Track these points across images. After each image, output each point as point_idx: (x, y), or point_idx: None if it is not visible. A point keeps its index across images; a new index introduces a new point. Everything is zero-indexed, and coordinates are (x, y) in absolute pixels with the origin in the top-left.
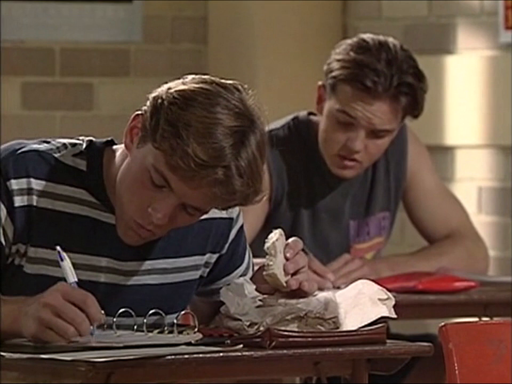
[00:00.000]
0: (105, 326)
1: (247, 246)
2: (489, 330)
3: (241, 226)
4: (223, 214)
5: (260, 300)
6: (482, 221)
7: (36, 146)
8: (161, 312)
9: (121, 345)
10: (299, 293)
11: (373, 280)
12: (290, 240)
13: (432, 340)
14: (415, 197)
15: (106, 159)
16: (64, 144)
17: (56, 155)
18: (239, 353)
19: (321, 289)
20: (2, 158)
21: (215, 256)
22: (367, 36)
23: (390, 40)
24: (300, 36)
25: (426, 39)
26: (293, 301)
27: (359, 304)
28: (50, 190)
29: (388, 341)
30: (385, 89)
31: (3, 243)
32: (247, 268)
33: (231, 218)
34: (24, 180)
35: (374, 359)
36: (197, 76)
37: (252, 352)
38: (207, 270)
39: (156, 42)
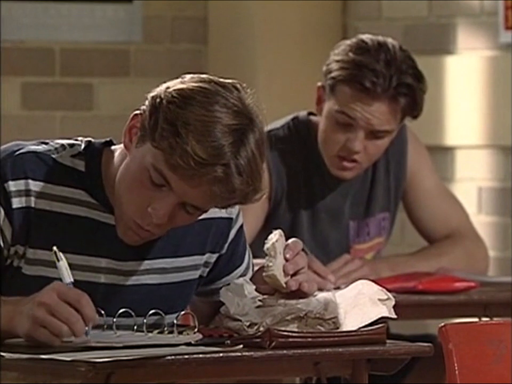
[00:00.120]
0: (105, 326)
1: (247, 246)
2: (489, 330)
3: (241, 226)
4: (223, 213)
5: (259, 300)
6: (482, 221)
7: (34, 147)
8: (161, 312)
9: (121, 345)
10: (299, 294)
11: (372, 281)
12: (290, 241)
13: (432, 340)
14: (415, 197)
15: (105, 159)
16: (62, 145)
17: (54, 156)
18: (239, 354)
19: (321, 290)
20: (1, 160)
21: (215, 256)
22: (366, 37)
23: (389, 40)
24: (300, 36)
25: (426, 39)
26: (293, 301)
27: (359, 304)
28: (48, 191)
29: (387, 341)
30: (384, 90)
31: (1, 245)
32: (247, 268)
33: (231, 218)
34: (22, 182)
35: (374, 359)
36: (196, 75)
37: (252, 353)
38: (207, 269)
39: (156, 43)
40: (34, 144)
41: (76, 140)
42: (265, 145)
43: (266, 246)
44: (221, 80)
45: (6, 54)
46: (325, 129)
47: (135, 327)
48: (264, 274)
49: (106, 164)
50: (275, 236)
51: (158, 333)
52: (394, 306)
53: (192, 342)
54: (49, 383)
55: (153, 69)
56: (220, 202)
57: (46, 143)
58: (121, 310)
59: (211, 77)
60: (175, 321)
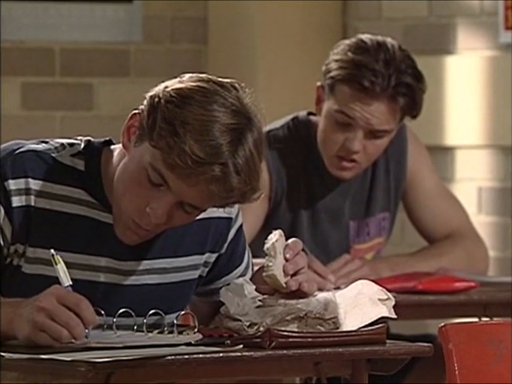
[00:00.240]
0: (105, 326)
1: (247, 246)
2: (489, 330)
3: (241, 226)
4: (222, 213)
5: (259, 300)
6: (482, 221)
7: (34, 146)
8: (160, 312)
9: (121, 345)
10: (299, 294)
11: (372, 281)
12: (290, 240)
13: (432, 340)
14: (415, 197)
15: (104, 158)
16: (62, 144)
17: (54, 155)
18: (239, 354)
19: (321, 290)
20: (1, 159)
21: (214, 255)
22: (365, 36)
23: (388, 40)
24: (300, 36)
25: (426, 39)
26: (293, 301)
27: (359, 304)
28: (48, 190)
29: (387, 341)
30: (383, 90)
31: (1, 243)
32: (247, 268)
33: (230, 218)
34: (22, 180)
35: (374, 359)
36: (194, 75)
37: (252, 353)
38: (206, 269)
39: (156, 43)
40: (34, 143)
41: (76, 139)
42: (264, 144)
43: (266, 246)
44: (220, 79)
45: (6, 54)
46: (324, 129)
47: (135, 327)
48: (264, 274)
49: (105, 163)
50: (275, 236)
51: (158, 333)
52: (394, 306)
53: (192, 342)
54: (49, 383)
55: (153, 69)
56: (218, 202)
57: (46, 142)
58: (121, 310)
59: (209, 77)
60: (175, 321)
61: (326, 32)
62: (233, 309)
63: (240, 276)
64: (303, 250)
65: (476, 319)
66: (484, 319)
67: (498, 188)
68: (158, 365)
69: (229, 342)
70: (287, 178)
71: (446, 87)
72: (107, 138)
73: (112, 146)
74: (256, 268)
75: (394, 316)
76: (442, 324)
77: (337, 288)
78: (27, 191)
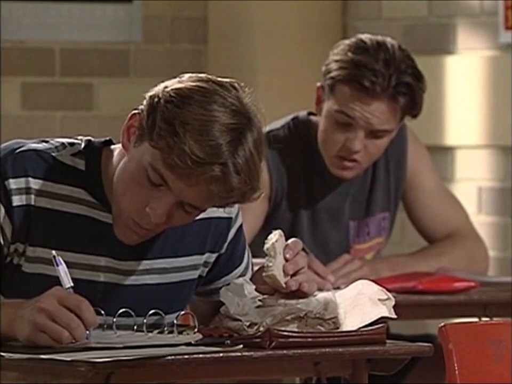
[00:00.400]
0: (105, 326)
1: (246, 246)
2: (489, 330)
3: (240, 226)
4: (222, 213)
5: (259, 300)
6: (482, 221)
7: (34, 145)
8: (160, 312)
9: (121, 345)
10: (299, 294)
11: (372, 281)
12: (290, 241)
13: (432, 340)
14: (415, 197)
15: (105, 158)
16: (62, 143)
17: (54, 154)
18: (239, 354)
19: (321, 290)
20: (1, 158)
21: (214, 255)
22: (365, 36)
23: (388, 40)
24: (300, 36)
25: (426, 39)
26: (293, 301)
27: (359, 304)
28: (48, 189)
29: (387, 341)
30: (383, 89)
31: (2, 242)
32: (246, 268)
33: (230, 218)
34: (22, 179)
35: (374, 359)
36: (194, 75)
37: (252, 353)
38: (206, 269)
39: (156, 43)
40: (34, 142)
41: (76, 139)
42: (263, 144)
43: (266, 246)
44: (219, 79)
45: (6, 54)
46: (324, 129)
47: (135, 327)
48: (264, 274)
49: (105, 163)
50: (275, 236)
51: (158, 333)
52: (394, 306)
53: (192, 342)
54: (49, 383)
55: (153, 69)
56: (218, 202)
57: (47, 142)
58: (121, 310)
59: (209, 76)
60: (175, 321)
61: (326, 32)
62: (233, 309)
63: (240, 276)
64: (303, 250)
65: (476, 319)
66: (483, 319)
67: (498, 188)
68: (158, 365)
69: (229, 342)
70: (287, 178)
71: (446, 87)
72: (107, 138)
73: (113, 146)
74: (256, 268)
75: (394, 316)
76: (442, 324)
77: (337, 288)
78: (27, 190)
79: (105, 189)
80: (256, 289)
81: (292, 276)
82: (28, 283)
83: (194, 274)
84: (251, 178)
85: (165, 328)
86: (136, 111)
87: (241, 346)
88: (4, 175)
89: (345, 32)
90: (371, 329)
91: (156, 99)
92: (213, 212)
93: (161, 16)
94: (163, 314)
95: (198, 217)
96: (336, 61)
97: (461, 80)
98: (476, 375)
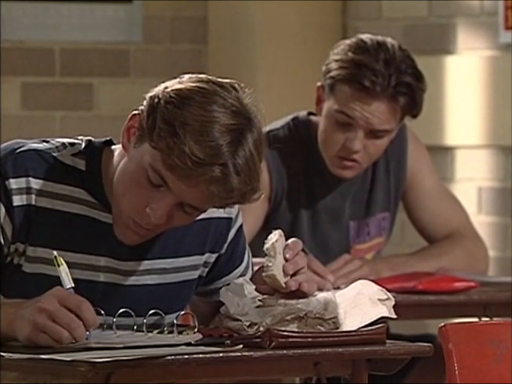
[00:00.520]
0: (105, 326)
1: (247, 246)
2: (489, 330)
3: (240, 226)
4: (222, 213)
5: (259, 300)
6: (482, 221)
7: (35, 145)
8: (160, 312)
9: (121, 345)
10: (298, 294)
11: (372, 281)
12: (289, 240)
13: (432, 340)
14: (415, 197)
15: (105, 158)
16: (63, 143)
17: (55, 154)
18: (239, 354)
19: (320, 290)
20: (1, 158)
21: (214, 255)
22: (365, 36)
23: (389, 40)
24: (300, 36)
25: (426, 39)
26: (293, 301)
27: (359, 304)
28: (49, 189)
29: (387, 341)
30: (384, 89)
31: (2, 242)
32: (247, 268)
33: (230, 218)
34: (23, 179)
35: (374, 359)
36: (194, 75)
37: (252, 353)
38: (206, 269)
39: (156, 43)
40: (35, 142)
41: (77, 139)
42: (264, 145)
43: (266, 246)
44: (219, 80)
45: (6, 54)
46: (324, 129)
47: (135, 327)
48: (263, 274)
49: (106, 163)
50: (275, 235)
51: (158, 333)
52: (394, 306)
53: (192, 342)
54: (49, 383)
55: (153, 69)
56: (218, 202)
57: (47, 141)
58: (121, 310)
59: (209, 77)
60: (175, 321)
61: (326, 32)
62: (233, 309)
63: (240, 276)
64: (302, 250)
65: (475, 319)
66: (483, 319)
67: (498, 188)
68: (158, 365)
69: (229, 342)
70: (287, 179)
71: (446, 87)
72: (108, 138)
73: (113, 147)
74: (256, 268)
75: (394, 316)
76: (442, 324)
77: (337, 288)
78: (28, 190)
79: (105, 189)
80: (256, 289)
81: (292, 275)
82: (28, 283)
83: (194, 274)
84: (251, 179)
85: (165, 328)
86: (136, 112)
87: (241, 346)
88: (5, 175)
89: (345, 32)
90: (371, 329)
91: (156, 100)
92: (213, 212)
93: (161, 16)
94: (163, 315)
95: (198, 218)
96: (337, 60)
97: (461, 80)
98: (476, 375)
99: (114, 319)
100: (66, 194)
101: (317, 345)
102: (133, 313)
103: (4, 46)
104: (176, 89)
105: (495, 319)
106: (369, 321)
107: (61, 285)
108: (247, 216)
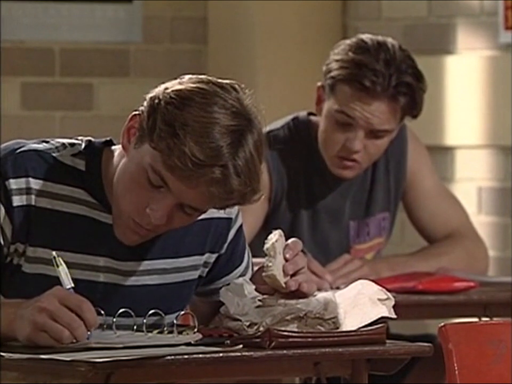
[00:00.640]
0: (104, 326)
1: (246, 246)
2: (489, 330)
3: (240, 226)
4: (222, 213)
5: (259, 300)
6: (482, 221)
7: (34, 145)
8: (160, 312)
9: (121, 345)
10: (298, 294)
11: (372, 281)
12: (289, 241)
13: (432, 340)
14: (415, 197)
15: (105, 159)
16: (63, 144)
17: (55, 155)
18: (239, 354)
19: (319, 290)
20: (1, 158)
21: (214, 256)
22: (365, 36)
23: (389, 40)
24: (300, 36)
25: (426, 39)
26: (293, 301)
27: (359, 304)
28: (49, 190)
29: (387, 341)
30: (384, 89)
31: (2, 242)
32: (247, 268)
33: (230, 218)
34: (23, 180)
35: (374, 359)
36: (194, 76)
37: (252, 353)
38: (206, 270)
39: (156, 43)
40: (35, 143)
41: (77, 139)
42: (264, 146)
43: (266, 246)
44: (219, 81)
45: (6, 54)
46: (324, 129)
47: (135, 327)
48: (263, 274)
49: (106, 164)
50: (275, 235)
51: (158, 333)
52: (394, 306)
53: (192, 342)
54: (49, 383)
55: (153, 69)
56: (218, 203)
57: (47, 142)
58: (121, 310)
59: (209, 78)
60: (174, 321)
61: (326, 32)
62: (233, 309)
63: (240, 276)
64: (302, 250)
65: (475, 319)
66: (483, 319)
67: (498, 187)
68: (157, 365)
69: (228, 342)
70: (287, 179)
71: (446, 87)
72: (108, 139)
73: (113, 147)
74: (256, 268)
75: (394, 316)
76: (442, 324)
77: (337, 288)
78: (28, 191)
79: (105, 189)
80: (256, 289)
81: (292, 276)
82: (28, 283)
83: (194, 274)
84: (251, 180)
85: (165, 328)
86: (136, 112)
87: (241, 346)
88: (4, 175)
89: (345, 32)
90: (371, 329)
91: (156, 100)
92: (213, 213)
93: (161, 16)
94: (163, 315)
95: (198, 218)
96: (337, 60)
97: (461, 80)
98: (476, 375)
99: (114, 319)
100: (66, 194)
101: (316, 345)
102: (132, 314)
103: (3, 46)
104: (177, 90)
105: (495, 319)
106: (369, 321)
107: (61, 285)
108: (247, 217)
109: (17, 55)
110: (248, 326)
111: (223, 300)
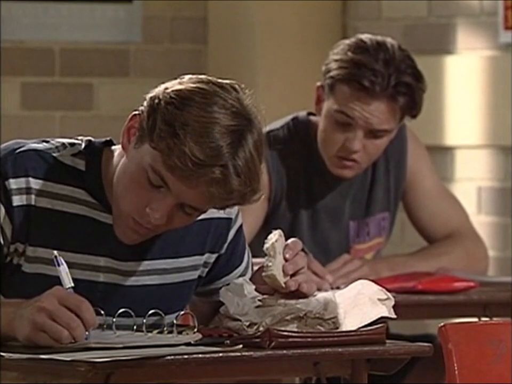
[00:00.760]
0: (104, 326)
1: (246, 246)
2: (489, 330)
3: (240, 226)
4: (222, 213)
5: (259, 300)
6: (482, 221)
7: (34, 145)
8: (160, 312)
9: (120, 345)
10: (298, 294)
11: (372, 281)
12: (289, 240)
13: (431, 340)
14: (415, 197)
15: (105, 159)
16: (63, 143)
17: (55, 154)
18: (239, 354)
19: (319, 290)
20: (1, 158)
21: (214, 256)
22: (365, 36)
23: (388, 40)
24: (300, 36)
25: (426, 39)
26: (293, 301)
27: (359, 304)
28: (49, 190)
29: (387, 341)
30: (383, 89)
31: (1, 242)
32: (246, 268)
33: (230, 218)
34: (23, 179)
35: (374, 359)
36: (194, 76)
37: (252, 352)
38: (206, 270)
39: (156, 43)
40: (35, 142)
41: (77, 139)
42: (264, 146)
43: (265, 246)
44: (219, 81)
45: (6, 54)
46: (324, 129)
47: (135, 327)
48: (263, 274)
49: (106, 164)
50: (275, 235)
51: (158, 333)
52: (394, 306)
53: (192, 342)
54: (49, 383)
55: (153, 69)
56: (218, 203)
57: (47, 142)
58: (120, 310)
59: (209, 78)
60: (174, 321)
61: (326, 32)
62: (233, 309)
63: (240, 276)
64: (302, 250)
65: (475, 319)
66: (483, 319)
67: (498, 187)
68: (157, 365)
69: (228, 342)
70: (287, 179)
71: (446, 87)
72: (108, 139)
73: (113, 147)
74: (256, 268)
75: (394, 316)
76: (442, 324)
77: (337, 288)
78: (28, 190)
79: (105, 189)
80: (256, 289)
81: (292, 276)
82: (27, 283)
83: (194, 274)
84: (251, 180)
85: (165, 328)
86: (136, 112)
87: (240, 346)
88: (4, 175)
89: (345, 32)
90: (371, 329)
91: (156, 100)
92: (213, 213)
93: (161, 16)
94: (163, 315)
95: (198, 218)
96: (336, 60)
97: (461, 80)
98: (476, 375)
99: (114, 319)
100: (66, 194)
101: (316, 345)
102: (132, 314)
103: (4, 46)
104: (177, 90)
105: (495, 319)
106: (369, 321)
107: (61, 285)
108: (247, 217)
109: (17, 55)
110: (248, 326)
111: (223, 300)
